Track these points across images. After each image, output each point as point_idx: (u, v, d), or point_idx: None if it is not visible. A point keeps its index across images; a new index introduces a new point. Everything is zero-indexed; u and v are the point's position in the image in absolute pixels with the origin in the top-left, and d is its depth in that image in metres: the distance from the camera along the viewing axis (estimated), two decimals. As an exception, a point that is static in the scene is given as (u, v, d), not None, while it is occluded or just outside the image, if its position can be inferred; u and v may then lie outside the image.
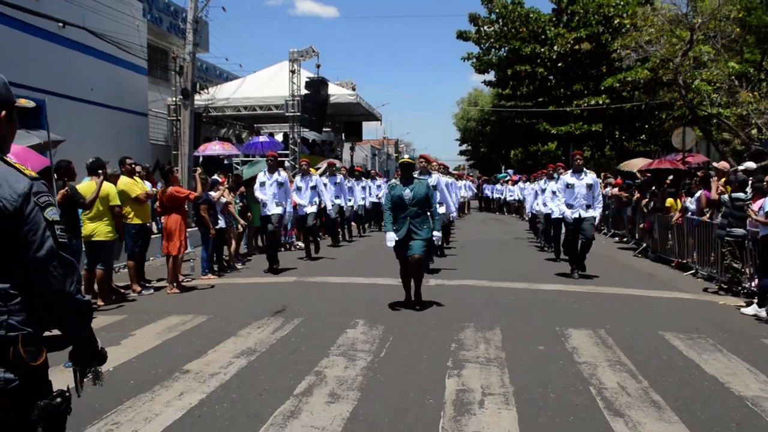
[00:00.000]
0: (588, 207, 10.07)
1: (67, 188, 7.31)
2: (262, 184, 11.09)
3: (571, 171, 10.42)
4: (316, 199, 12.61)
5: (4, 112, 2.10)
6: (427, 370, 5.25)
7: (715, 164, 12.32)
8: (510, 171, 37.17)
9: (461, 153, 63.97)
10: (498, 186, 32.94)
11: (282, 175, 11.16)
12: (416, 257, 7.45)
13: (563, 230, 11.74)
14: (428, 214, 7.64)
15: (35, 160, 6.27)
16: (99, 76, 17.28)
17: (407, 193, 7.49)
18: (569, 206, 10.16)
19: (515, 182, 28.29)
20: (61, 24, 15.01)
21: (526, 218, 19.44)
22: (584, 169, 10.44)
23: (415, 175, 7.89)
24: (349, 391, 4.70)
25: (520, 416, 4.23)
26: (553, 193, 11.62)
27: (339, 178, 15.49)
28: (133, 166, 9.22)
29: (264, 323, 6.90)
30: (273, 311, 7.40)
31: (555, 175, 12.43)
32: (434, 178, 10.27)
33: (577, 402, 4.54)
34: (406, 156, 8.23)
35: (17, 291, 2.04)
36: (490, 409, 4.37)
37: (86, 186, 8.06)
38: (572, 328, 6.74)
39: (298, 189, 12.36)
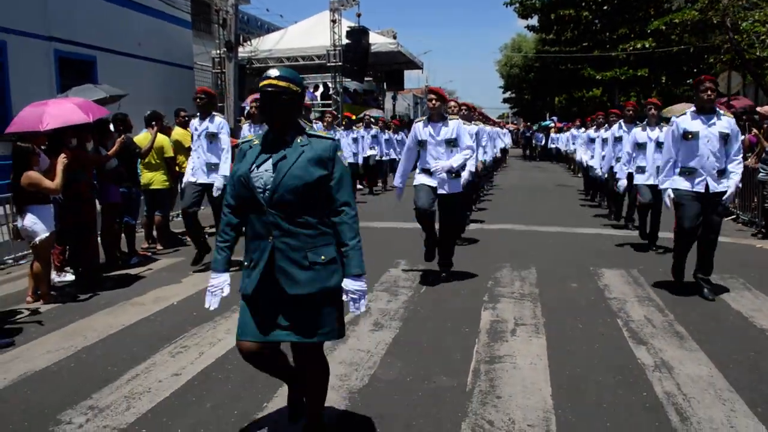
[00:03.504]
0: (721, 173, 5.74)
1: (124, 137, 7.75)
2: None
3: (692, 110, 5.83)
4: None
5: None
6: (464, 304, 5.64)
7: (758, 108, 12.18)
8: (554, 118, 36.75)
9: (505, 101, 63.17)
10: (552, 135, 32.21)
11: (216, 122, 7.26)
12: (312, 365, 3.05)
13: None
14: (330, 222, 2.90)
15: (96, 112, 6.74)
16: (146, 31, 17.75)
17: (265, 169, 2.84)
18: (688, 171, 5.74)
19: (559, 129, 28.00)
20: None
21: (578, 173, 17.81)
22: (716, 108, 5.86)
23: (318, 130, 3.15)
24: (391, 321, 5.13)
25: (549, 343, 4.60)
26: (638, 145, 8.00)
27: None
28: (188, 117, 9.67)
29: (312, 264, 7.35)
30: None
31: (645, 120, 8.21)
32: (452, 126, 6.37)
33: (603, 332, 4.88)
34: (274, 71, 2.85)
35: None
36: (521, 337, 4.75)
37: (142, 137, 8.55)
38: (605, 268, 7.03)
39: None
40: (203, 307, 5.04)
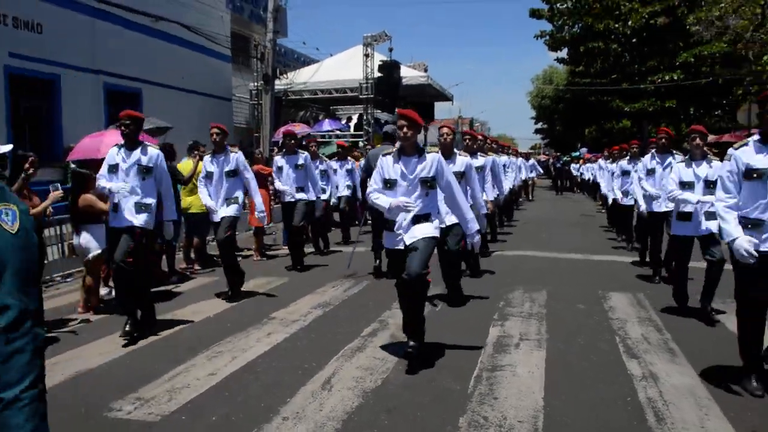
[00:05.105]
0: None
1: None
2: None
3: (755, 138, 4.33)
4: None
5: None
6: (475, 322, 6.09)
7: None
8: (584, 149, 36.91)
9: (537, 131, 63.62)
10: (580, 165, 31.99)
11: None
12: None
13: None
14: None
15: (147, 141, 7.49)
16: (188, 64, 18.76)
17: None
18: (752, 224, 4.19)
19: (587, 161, 28.18)
20: (154, 18, 16.47)
21: (602, 207, 17.53)
22: None
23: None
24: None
25: (548, 355, 5.04)
26: (682, 185, 6.13)
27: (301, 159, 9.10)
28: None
29: (337, 284, 7.91)
30: (345, 275, 8.39)
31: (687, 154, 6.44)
32: (430, 160, 4.78)
33: (601, 347, 5.29)
34: None
35: None
36: (523, 350, 5.20)
37: (184, 164, 9.23)
38: (614, 291, 7.41)
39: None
40: (236, 319, 5.61)
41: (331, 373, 4.63)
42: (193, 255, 9.41)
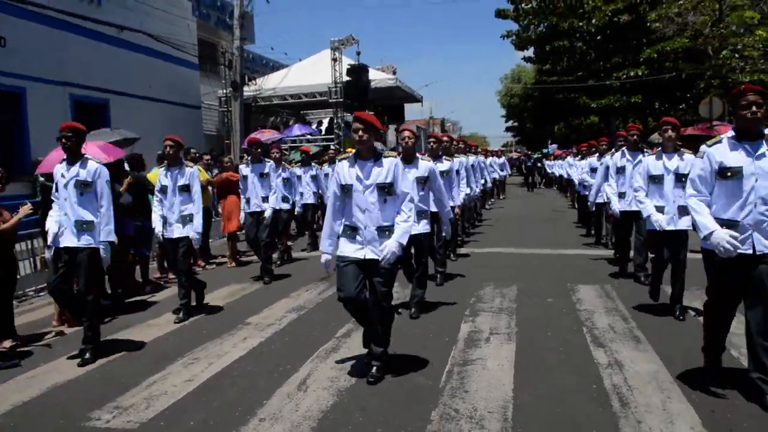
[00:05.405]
0: None
1: (131, 177, 8.40)
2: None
3: (729, 135, 4.16)
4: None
5: None
6: (447, 318, 6.23)
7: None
8: (554, 146, 37.44)
9: (507, 129, 64.26)
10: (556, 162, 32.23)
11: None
12: None
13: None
14: None
15: (114, 153, 7.52)
16: (156, 74, 18.67)
17: None
18: (727, 225, 4.01)
19: (556, 157, 28.56)
20: (119, 29, 16.40)
21: (570, 200, 17.92)
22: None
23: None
24: (379, 334, 5.72)
25: (518, 347, 5.19)
26: (651, 178, 6.10)
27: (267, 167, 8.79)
28: (198, 155, 10.44)
29: (311, 287, 8.00)
30: (319, 278, 8.47)
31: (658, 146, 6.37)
32: (387, 166, 4.61)
33: (569, 338, 5.45)
34: None
35: None
36: (494, 343, 5.34)
37: (154, 174, 9.22)
38: (582, 284, 7.60)
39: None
40: (211, 326, 5.67)
41: (307, 374, 4.73)
42: (166, 264, 9.42)
